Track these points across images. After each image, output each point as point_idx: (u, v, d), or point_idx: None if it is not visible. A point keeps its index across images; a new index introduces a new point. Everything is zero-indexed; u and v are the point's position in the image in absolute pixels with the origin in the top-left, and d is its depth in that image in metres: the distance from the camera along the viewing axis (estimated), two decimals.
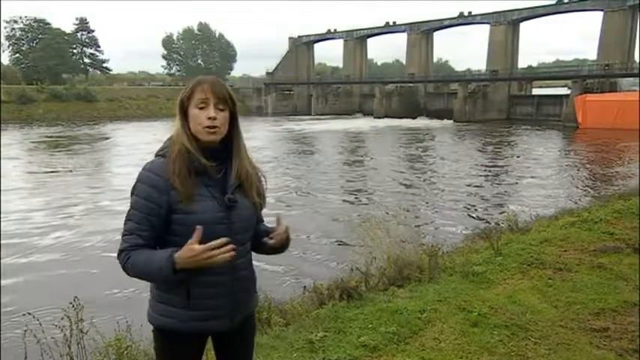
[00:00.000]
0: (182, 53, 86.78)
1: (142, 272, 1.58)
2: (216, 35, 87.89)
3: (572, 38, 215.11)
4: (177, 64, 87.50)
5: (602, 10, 46.38)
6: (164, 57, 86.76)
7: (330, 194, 15.23)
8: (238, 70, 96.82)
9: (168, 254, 1.54)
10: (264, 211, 1.88)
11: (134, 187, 1.63)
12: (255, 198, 1.74)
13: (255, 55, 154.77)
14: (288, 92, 66.87)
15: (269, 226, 1.86)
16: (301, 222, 11.94)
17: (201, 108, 1.63)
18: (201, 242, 1.58)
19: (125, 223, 1.63)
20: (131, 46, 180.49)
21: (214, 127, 1.63)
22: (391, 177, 18.17)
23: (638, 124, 32.38)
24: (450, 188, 15.84)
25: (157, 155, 1.67)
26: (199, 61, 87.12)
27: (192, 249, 1.51)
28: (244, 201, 1.70)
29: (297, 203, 14.08)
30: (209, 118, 1.63)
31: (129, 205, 1.65)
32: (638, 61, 47.58)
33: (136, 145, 27.24)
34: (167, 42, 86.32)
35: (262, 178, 1.80)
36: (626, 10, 44.94)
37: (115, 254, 1.63)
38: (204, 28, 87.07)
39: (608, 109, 37.49)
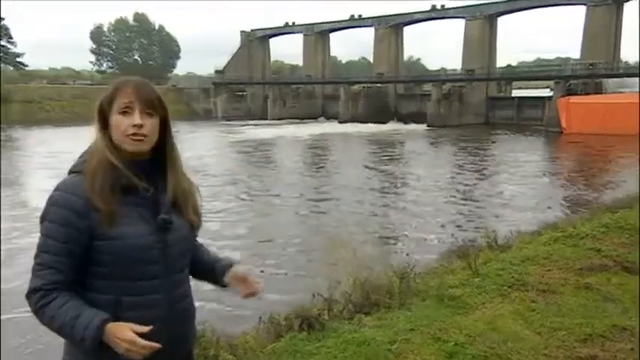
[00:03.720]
0: (114, 47, 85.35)
1: (58, 331, 1.52)
2: (156, 27, 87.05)
3: (554, 35, 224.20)
4: (108, 60, 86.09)
5: (584, 4, 48.33)
6: (93, 51, 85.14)
7: (288, 210, 15.19)
8: (182, 68, 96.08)
9: (98, 323, 1.48)
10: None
11: (45, 212, 1.56)
12: (192, 216, 1.71)
13: (202, 51, 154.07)
14: (240, 93, 66.66)
15: (211, 249, 1.85)
16: (256, 242, 11.87)
17: (124, 114, 1.59)
18: (132, 269, 1.57)
19: (37, 256, 1.55)
20: (52, 39, 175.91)
21: (141, 135, 1.59)
22: (358, 190, 18.30)
23: (625, 128, 33.82)
24: (424, 201, 16.10)
25: (70, 172, 1.62)
26: (136, 57, 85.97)
27: (133, 340, 1.46)
28: (180, 221, 1.67)
29: (250, 221, 13.98)
30: (134, 126, 1.58)
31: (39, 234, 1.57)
32: (623, 60, 49.92)
33: (59, 155, 26.44)
34: (96, 34, 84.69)
35: (197, 193, 1.77)
36: (610, 5, 46.92)
37: None
38: (141, 18, 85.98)
39: (593, 113, 38.83)
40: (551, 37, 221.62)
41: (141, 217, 1.59)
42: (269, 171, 23.77)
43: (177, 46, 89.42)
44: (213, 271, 1.83)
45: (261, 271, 9.58)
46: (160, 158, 1.67)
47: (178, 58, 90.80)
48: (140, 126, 1.58)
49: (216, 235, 11.50)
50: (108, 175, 1.55)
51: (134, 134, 1.58)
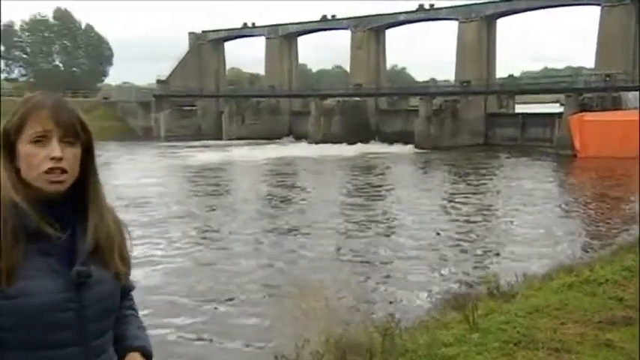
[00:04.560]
0: (29, 50, 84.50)
1: None
2: (82, 26, 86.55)
3: (564, 41, 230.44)
4: (21, 66, 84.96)
5: (598, 4, 49.65)
6: (1, 56, 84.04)
7: (248, 252, 15.17)
8: (116, 77, 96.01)
9: None
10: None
11: None
12: (119, 266, 1.65)
13: (141, 56, 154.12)
14: (188, 108, 66.55)
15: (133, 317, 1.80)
16: (209, 290, 11.82)
17: (38, 142, 1.52)
18: (37, 335, 1.49)
19: None
20: None
21: (61, 170, 1.52)
22: (331, 227, 18.33)
23: None
24: (410, 241, 16.17)
25: None
26: (56, 62, 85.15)
27: None
28: (102, 274, 1.60)
29: (202, 266, 13.89)
30: (52, 159, 1.51)
31: None
32: None
33: None
34: (6, 34, 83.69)
35: (126, 234, 1.73)
36: (628, 5, 48.03)
37: None
38: (63, 16, 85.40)
39: (612, 132, 39.35)
40: (560, 43, 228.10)
41: (50, 270, 1.52)
42: (219, 205, 23.60)
43: (110, 49, 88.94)
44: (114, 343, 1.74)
45: (207, 340, 9.43)
46: (78, 193, 1.61)
47: (111, 64, 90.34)
48: (59, 159, 1.52)
49: (150, 290, 11.20)
50: (9, 218, 1.48)
51: (51, 170, 1.51)
